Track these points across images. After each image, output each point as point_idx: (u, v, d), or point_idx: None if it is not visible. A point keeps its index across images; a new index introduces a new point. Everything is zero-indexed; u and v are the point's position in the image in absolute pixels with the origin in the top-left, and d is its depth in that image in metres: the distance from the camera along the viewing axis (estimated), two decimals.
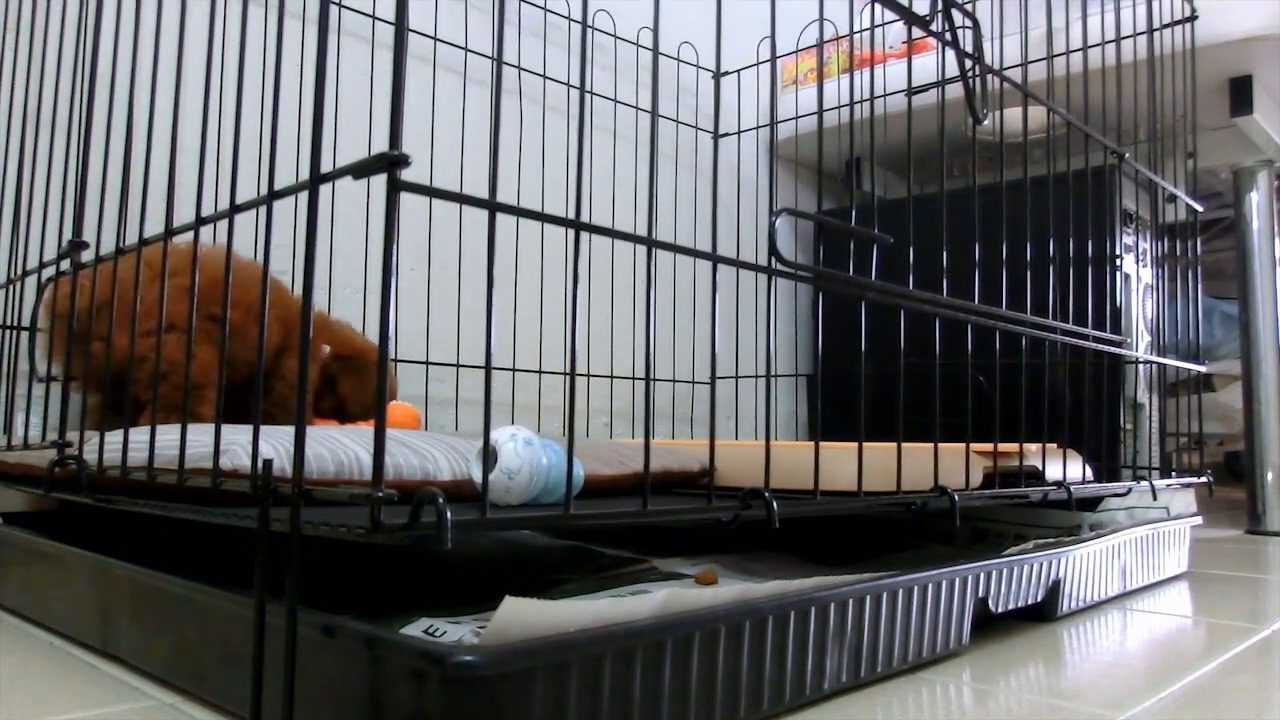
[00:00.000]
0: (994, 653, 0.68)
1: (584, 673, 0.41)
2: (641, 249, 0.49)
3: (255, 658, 0.43)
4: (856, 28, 1.45)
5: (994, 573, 0.70)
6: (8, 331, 0.87)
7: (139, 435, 0.60)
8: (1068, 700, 0.56)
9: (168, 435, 0.58)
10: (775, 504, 0.53)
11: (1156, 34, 1.12)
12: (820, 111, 0.79)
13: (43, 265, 0.78)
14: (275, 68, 0.47)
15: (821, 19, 0.69)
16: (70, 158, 0.70)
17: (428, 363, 1.22)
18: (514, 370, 1.32)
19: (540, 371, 1.36)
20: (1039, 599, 0.76)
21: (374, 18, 1.21)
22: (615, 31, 1.49)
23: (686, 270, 1.57)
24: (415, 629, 0.61)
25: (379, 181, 0.40)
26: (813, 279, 0.62)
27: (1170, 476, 1.09)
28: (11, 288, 0.84)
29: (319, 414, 0.99)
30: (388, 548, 0.72)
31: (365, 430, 0.70)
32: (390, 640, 0.41)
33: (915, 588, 0.61)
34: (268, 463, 0.45)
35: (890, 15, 0.69)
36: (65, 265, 0.70)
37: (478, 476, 0.61)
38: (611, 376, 1.42)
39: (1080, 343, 0.87)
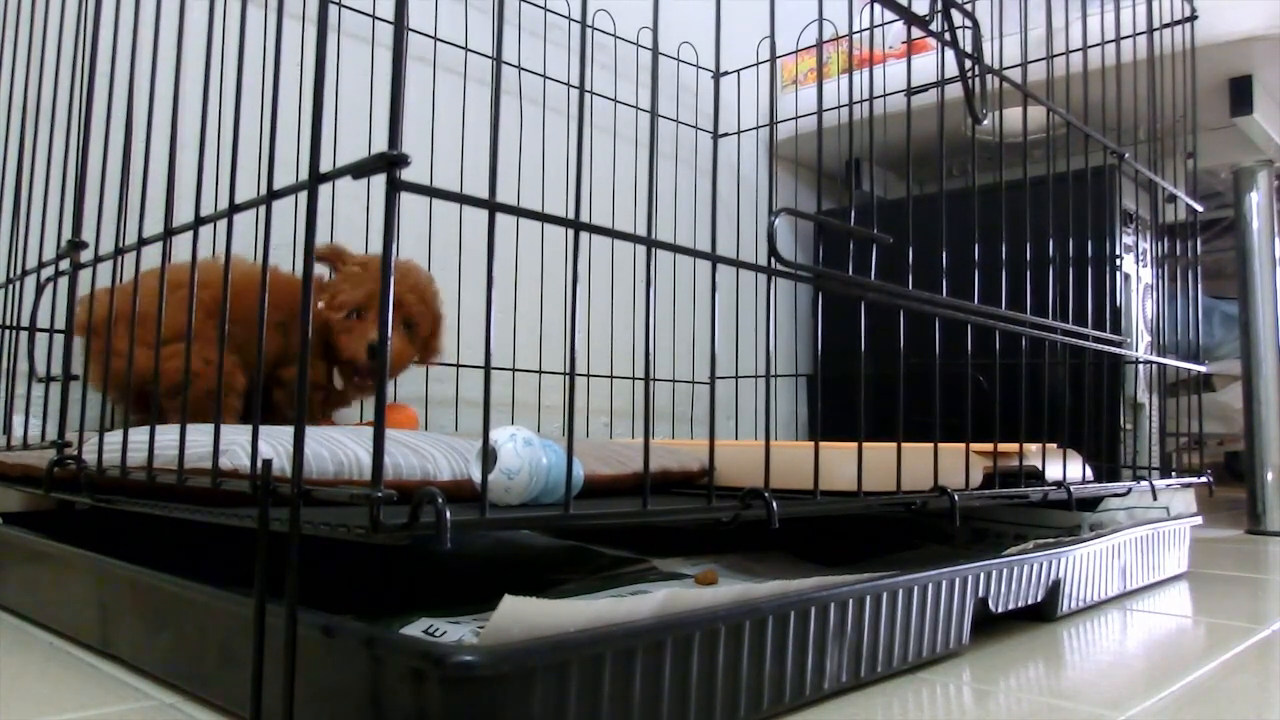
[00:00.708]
0: (994, 653, 0.68)
1: (584, 672, 0.41)
2: (641, 249, 0.50)
3: (255, 658, 0.43)
4: (856, 28, 1.45)
5: (994, 573, 0.70)
6: (7, 331, 0.87)
7: (138, 435, 0.60)
8: (1068, 700, 0.56)
9: (167, 435, 0.58)
10: (775, 504, 0.53)
11: (1156, 34, 1.12)
12: (820, 111, 0.79)
13: (42, 265, 0.78)
14: (274, 67, 0.47)
15: (821, 19, 0.69)
16: (69, 158, 0.70)
17: (428, 363, 1.22)
18: (514, 370, 1.32)
19: (540, 371, 1.36)
20: (1039, 599, 0.76)
21: (374, 17, 1.21)
22: (615, 31, 1.49)
23: (686, 270, 1.57)
24: (415, 629, 0.61)
25: (379, 181, 0.40)
26: (813, 279, 0.62)
27: (1170, 476, 1.09)
28: (11, 288, 0.84)
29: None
30: (387, 548, 0.72)
31: (365, 431, 0.70)
32: (390, 640, 0.41)
33: (915, 588, 0.61)
34: (267, 463, 0.45)
35: (890, 15, 0.69)
36: (65, 265, 0.70)
37: (477, 476, 0.61)
38: (611, 376, 1.42)
39: (1080, 343, 0.87)
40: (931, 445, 0.71)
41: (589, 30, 1.27)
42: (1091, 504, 0.96)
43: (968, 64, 0.71)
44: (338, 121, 1.16)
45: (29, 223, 0.81)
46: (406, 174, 0.40)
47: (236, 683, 0.48)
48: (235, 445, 0.57)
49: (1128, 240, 1.42)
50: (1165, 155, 1.13)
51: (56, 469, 0.64)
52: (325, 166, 0.42)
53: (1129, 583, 0.92)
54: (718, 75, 0.89)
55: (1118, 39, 1.03)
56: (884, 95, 1.26)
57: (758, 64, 1.62)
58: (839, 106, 1.49)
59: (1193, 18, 1.23)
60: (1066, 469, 0.88)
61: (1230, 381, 2.14)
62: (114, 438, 0.62)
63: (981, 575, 0.68)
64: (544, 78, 1.41)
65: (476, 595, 0.70)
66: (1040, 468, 0.84)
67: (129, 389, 0.77)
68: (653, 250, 0.51)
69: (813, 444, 0.64)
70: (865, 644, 0.57)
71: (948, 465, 0.72)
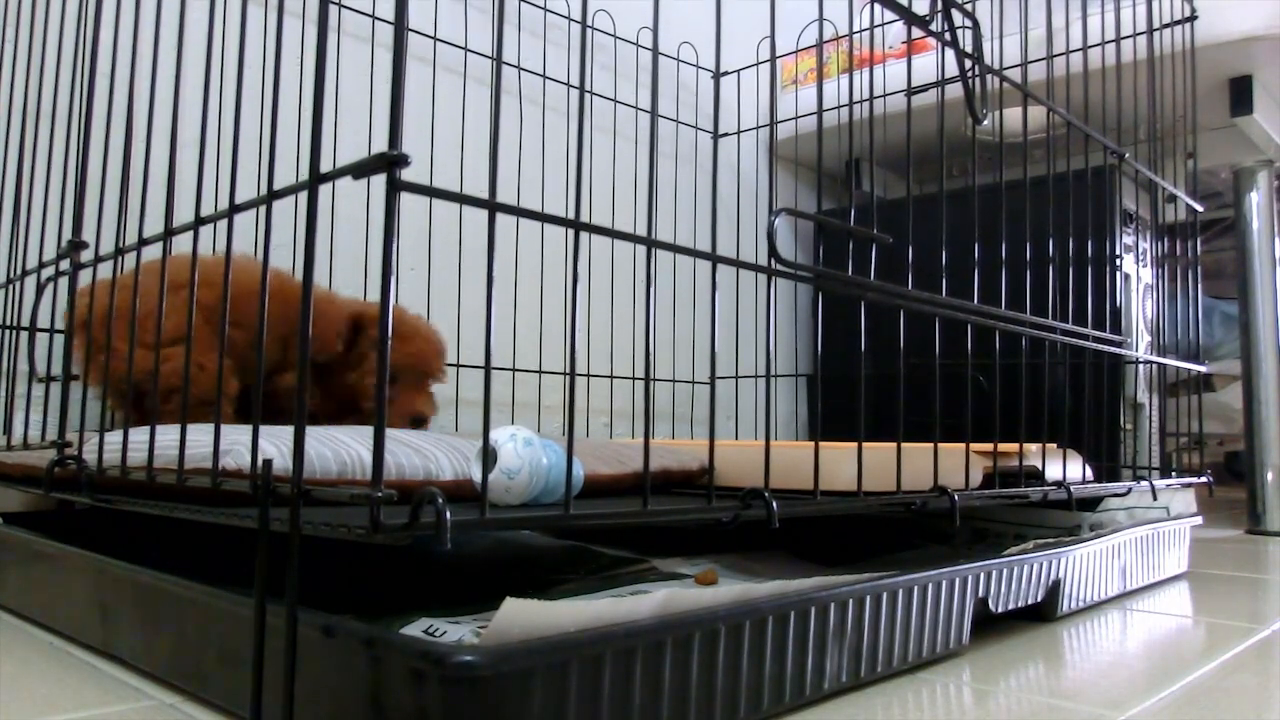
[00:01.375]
0: (994, 653, 0.68)
1: (584, 673, 0.41)
2: (641, 249, 0.50)
3: (255, 658, 0.43)
4: (856, 28, 1.45)
5: (994, 573, 0.70)
6: (7, 331, 0.87)
7: (138, 435, 0.60)
8: (1068, 700, 0.56)
9: (167, 435, 0.58)
10: (775, 504, 0.53)
11: (1156, 34, 1.12)
12: (820, 111, 0.79)
13: (42, 265, 0.78)
14: (275, 67, 0.47)
15: (821, 19, 0.70)
16: (70, 158, 0.70)
17: None
18: (514, 370, 1.32)
19: (540, 371, 1.36)
20: (1039, 599, 0.76)
21: (374, 17, 1.21)
22: (615, 31, 1.49)
23: (686, 270, 1.57)
24: (415, 629, 0.61)
25: (379, 181, 0.40)
26: (813, 279, 0.62)
27: (1170, 476, 1.09)
28: (11, 288, 0.84)
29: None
30: (388, 547, 0.72)
31: (368, 430, 0.70)
32: (390, 640, 0.41)
33: (915, 588, 0.61)
34: (267, 462, 0.45)
35: (890, 15, 0.69)
36: (65, 265, 0.70)
37: (478, 476, 0.61)
38: (611, 376, 1.42)
39: (1080, 343, 0.87)
40: (931, 445, 0.71)
41: (589, 30, 1.27)
42: (1091, 504, 0.96)
43: (968, 64, 0.71)
44: (338, 121, 1.16)
45: (29, 223, 0.81)
46: (406, 174, 0.40)
47: (236, 683, 0.48)
48: (238, 445, 0.57)
49: (1128, 240, 1.42)
50: (1165, 155, 1.13)
51: (57, 469, 0.64)
52: (325, 166, 0.42)
53: (1129, 583, 0.92)
54: (718, 75, 0.89)
55: (1118, 39, 1.03)
56: (884, 95, 1.26)
57: (758, 64, 1.62)
58: (839, 106, 1.49)
59: (1193, 18, 1.23)
60: (1066, 469, 0.88)
61: (1230, 381, 2.14)
62: (114, 438, 0.62)
63: (981, 575, 0.68)
64: (544, 78, 1.41)
65: (476, 595, 0.70)
66: (1040, 468, 0.84)
67: (129, 389, 0.77)
68: (653, 250, 0.51)
69: (813, 444, 0.64)
70: (865, 644, 0.57)
71: (948, 465, 0.72)
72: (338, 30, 1.20)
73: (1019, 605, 0.73)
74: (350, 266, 1.17)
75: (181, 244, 0.60)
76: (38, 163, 0.83)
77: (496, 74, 0.45)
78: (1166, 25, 1.19)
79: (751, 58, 1.61)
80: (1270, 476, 1.58)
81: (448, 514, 0.39)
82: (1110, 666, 0.64)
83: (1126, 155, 0.99)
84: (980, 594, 0.68)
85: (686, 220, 1.60)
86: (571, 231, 0.47)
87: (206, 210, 0.54)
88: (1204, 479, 1.09)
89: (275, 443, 0.57)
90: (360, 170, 0.40)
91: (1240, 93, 1.44)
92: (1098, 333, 0.89)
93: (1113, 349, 0.93)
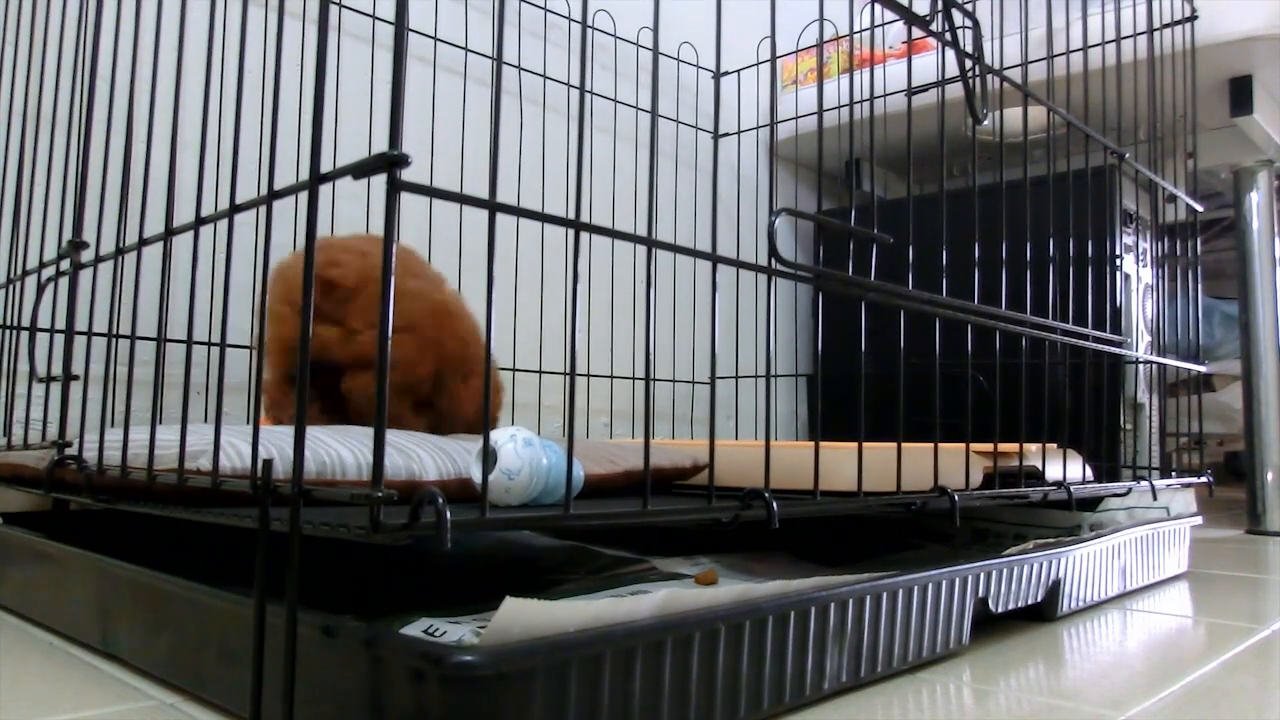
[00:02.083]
0: (994, 653, 0.68)
1: (584, 673, 0.41)
2: (641, 249, 0.50)
3: (255, 658, 0.43)
4: (856, 28, 1.45)
5: (994, 573, 0.70)
6: (8, 331, 0.87)
7: (139, 434, 0.60)
8: (1068, 700, 0.56)
9: (166, 435, 0.58)
10: (775, 504, 0.53)
11: (1156, 34, 1.12)
12: (820, 111, 0.79)
13: (43, 265, 0.78)
14: (275, 67, 0.47)
15: (821, 19, 0.69)
16: (70, 157, 0.70)
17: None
18: (514, 370, 1.32)
19: (540, 371, 1.36)
20: (1039, 599, 0.76)
21: (374, 18, 1.21)
22: (615, 31, 1.49)
23: (686, 270, 1.57)
24: (415, 629, 0.61)
25: (379, 181, 0.40)
26: (813, 279, 0.62)
27: (1170, 476, 1.09)
28: (11, 288, 0.84)
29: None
30: (388, 547, 0.72)
31: (349, 430, 0.70)
32: (390, 640, 0.41)
33: (915, 588, 0.61)
34: (268, 462, 0.45)
35: (890, 15, 0.69)
36: (65, 265, 0.70)
37: (478, 477, 0.61)
38: (611, 376, 1.42)
39: (1080, 343, 0.87)
40: (931, 445, 0.71)
41: (589, 30, 1.27)
42: (1091, 504, 0.96)
43: (968, 64, 0.71)
44: (338, 122, 1.16)
45: (30, 222, 0.81)
46: (407, 174, 0.40)
47: (236, 683, 0.48)
48: (226, 445, 0.57)
49: (1128, 240, 1.42)
50: (1165, 155, 1.13)
51: (57, 469, 0.64)
52: (326, 167, 0.42)
53: (1129, 583, 0.92)
54: (718, 75, 0.89)
55: (1118, 39, 1.03)
56: (884, 95, 1.26)
57: (758, 64, 1.62)
58: (839, 106, 1.49)
59: (1193, 18, 1.23)
60: (1066, 469, 0.88)
61: (1230, 381, 2.14)
62: (113, 436, 0.62)
63: (981, 575, 0.68)
64: (544, 78, 1.41)
65: (476, 595, 0.70)
66: (1040, 468, 0.84)
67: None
68: (653, 250, 0.51)
69: (813, 444, 0.64)
70: (865, 644, 0.57)
71: (948, 465, 0.72)
72: (338, 30, 1.20)
73: (1019, 605, 0.73)
74: None
75: (182, 244, 0.60)
76: (38, 162, 0.83)
77: (497, 74, 0.45)
78: (1167, 25, 1.19)
79: (752, 58, 1.61)
80: (1270, 476, 1.58)
81: (448, 514, 0.39)
82: (1110, 666, 0.64)
83: (1126, 155, 0.99)
84: (980, 594, 0.68)
85: (686, 220, 1.60)
86: (571, 231, 0.47)
87: (207, 210, 0.54)
88: (1204, 479, 1.09)
89: (264, 442, 0.57)
90: (361, 170, 0.40)
91: (1240, 93, 1.44)
92: (1098, 333, 0.89)
93: (1113, 349, 0.93)
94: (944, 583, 0.64)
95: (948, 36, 0.69)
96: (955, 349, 0.73)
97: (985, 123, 0.72)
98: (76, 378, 0.72)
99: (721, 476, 0.90)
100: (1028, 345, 0.78)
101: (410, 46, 1.25)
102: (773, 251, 0.57)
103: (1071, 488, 0.81)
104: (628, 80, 1.52)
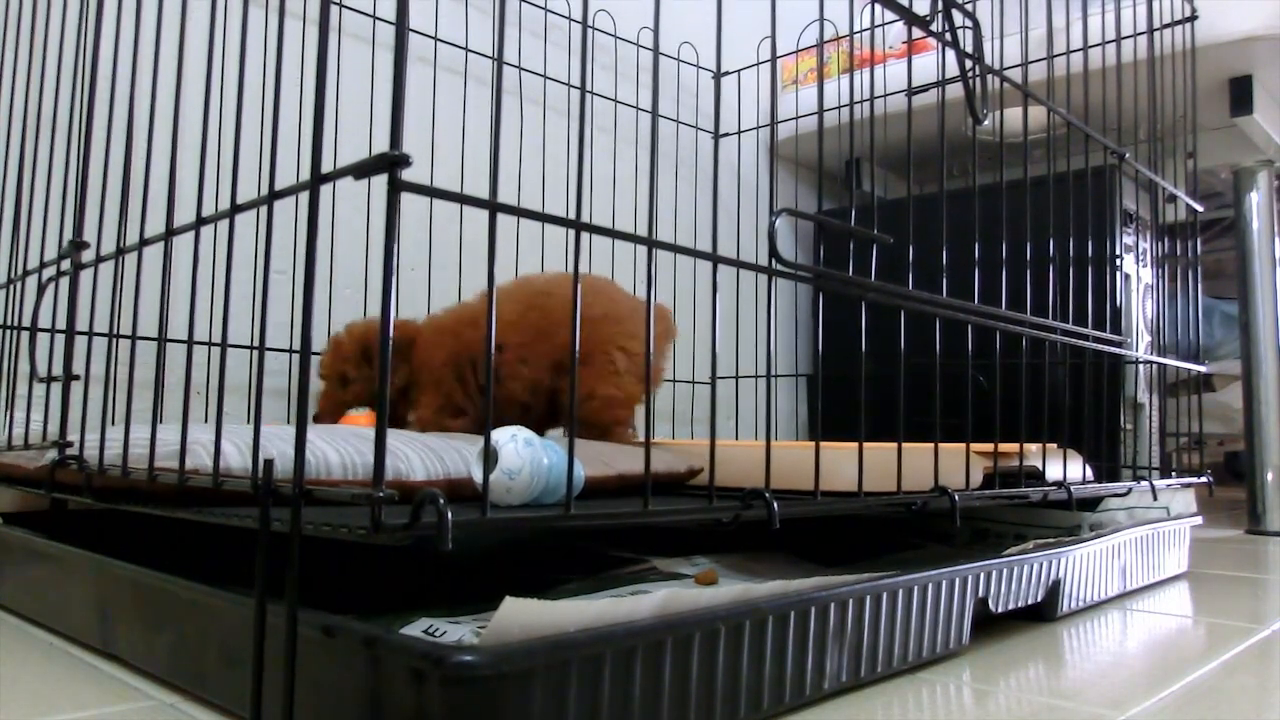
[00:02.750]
0: (994, 653, 0.68)
1: (584, 673, 0.41)
2: (642, 249, 0.50)
3: (255, 658, 0.43)
4: (856, 28, 1.45)
5: (994, 573, 0.70)
6: (8, 331, 0.87)
7: (139, 434, 0.60)
8: (1068, 700, 0.56)
9: (166, 435, 0.58)
10: (775, 504, 0.53)
11: (1156, 34, 1.12)
12: (820, 111, 0.79)
13: (43, 265, 0.78)
14: (276, 68, 0.47)
15: (821, 19, 0.69)
16: (71, 158, 0.70)
17: None
18: None
19: None
20: (1039, 599, 0.76)
21: (374, 18, 1.21)
22: (615, 31, 1.49)
23: (686, 270, 1.57)
24: (415, 629, 0.61)
25: (380, 181, 0.40)
26: (813, 279, 0.62)
27: (1170, 476, 1.09)
28: (12, 288, 0.84)
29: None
30: (388, 547, 0.72)
31: (336, 429, 0.70)
32: (390, 640, 0.41)
33: (915, 588, 0.61)
34: (269, 462, 0.45)
35: (890, 15, 0.69)
36: (66, 265, 0.70)
37: (478, 476, 0.61)
38: None
39: (1080, 343, 0.87)
40: (932, 445, 0.71)
41: (589, 30, 1.27)
42: (1091, 504, 0.96)
43: (968, 64, 0.71)
44: (339, 122, 1.16)
45: (30, 222, 0.81)
46: (407, 174, 0.40)
47: (236, 683, 0.48)
48: (195, 445, 0.57)
49: (1128, 240, 1.42)
50: (1165, 155, 1.13)
51: (57, 469, 0.64)
52: (326, 167, 0.42)
53: (1129, 583, 0.92)
54: (718, 75, 0.89)
55: (1118, 39, 1.03)
56: (884, 95, 1.26)
57: (758, 64, 1.62)
58: (839, 106, 1.49)
59: (1193, 18, 1.23)
60: (1066, 469, 0.88)
61: (1230, 381, 2.14)
62: (113, 435, 0.62)
63: (981, 575, 0.68)
64: (544, 78, 1.41)
65: (476, 595, 0.70)
66: (1040, 468, 0.84)
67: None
68: (653, 250, 0.51)
69: (813, 444, 0.64)
70: (865, 644, 0.57)
71: (948, 465, 0.72)
72: (338, 31, 1.20)
73: (1019, 605, 0.73)
74: (351, 268, 1.17)
75: (183, 245, 0.60)
76: (39, 162, 0.83)
77: (497, 74, 0.45)
78: (1167, 25, 1.19)
79: (752, 58, 1.61)
80: (1270, 476, 1.58)
81: (449, 514, 0.39)
82: (1110, 666, 0.64)
83: (1126, 155, 0.99)
84: (980, 594, 0.68)
85: (687, 220, 1.60)
86: (572, 231, 0.47)
87: (207, 211, 0.54)
88: (1204, 479, 1.09)
89: (235, 441, 0.58)
90: (361, 170, 0.40)
91: (1240, 93, 1.44)
92: (1098, 333, 0.89)
93: (1113, 349, 0.93)
94: (944, 583, 0.64)
95: (948, 36, 0.69)
96: (955, 349, 0.73)
97: (985, 123, 0.72)
98: (77, 378, 0.72)
99: (722, 476, 0.90)
100: (1028, 345, 0.78)
101: (411, 46, 1.25)
102: (773, 251, 0.57)
103: (1071, 488, 0.81)
104: (628, 80, 1.52)
